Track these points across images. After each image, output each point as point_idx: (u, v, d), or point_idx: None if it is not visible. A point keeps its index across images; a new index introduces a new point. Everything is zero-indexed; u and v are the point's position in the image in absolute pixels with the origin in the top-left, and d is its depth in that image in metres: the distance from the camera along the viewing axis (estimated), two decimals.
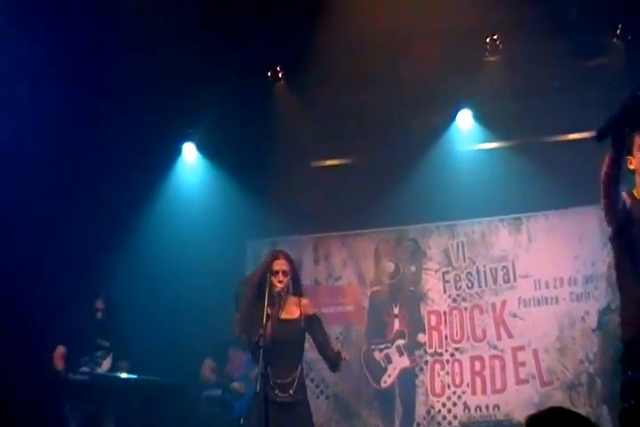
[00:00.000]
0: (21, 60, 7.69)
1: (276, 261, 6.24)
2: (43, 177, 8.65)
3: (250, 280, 6.31)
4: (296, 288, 6.38)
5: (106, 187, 9.22)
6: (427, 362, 9.64)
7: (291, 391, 6.08)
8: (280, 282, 6.11)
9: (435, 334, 9.68)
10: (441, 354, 9.61)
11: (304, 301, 6.35)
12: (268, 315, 5.84)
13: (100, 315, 8.42)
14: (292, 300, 6.30)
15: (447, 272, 9.82)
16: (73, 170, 8.93)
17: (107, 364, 8.32)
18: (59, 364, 8.12)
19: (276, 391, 6.00)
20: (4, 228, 8.42)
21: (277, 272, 6.15)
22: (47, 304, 8.53)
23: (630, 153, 4.68)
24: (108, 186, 9.24)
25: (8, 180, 8.38)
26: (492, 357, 9.38)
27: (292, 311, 6.25)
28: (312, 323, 6.33)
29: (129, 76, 8.28)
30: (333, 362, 6.31)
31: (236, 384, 8.50)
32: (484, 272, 9.66)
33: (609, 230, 4.76)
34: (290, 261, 6.37)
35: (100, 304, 8.42)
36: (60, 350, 8.24)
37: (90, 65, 8.11)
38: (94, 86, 8.41)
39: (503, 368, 9.30)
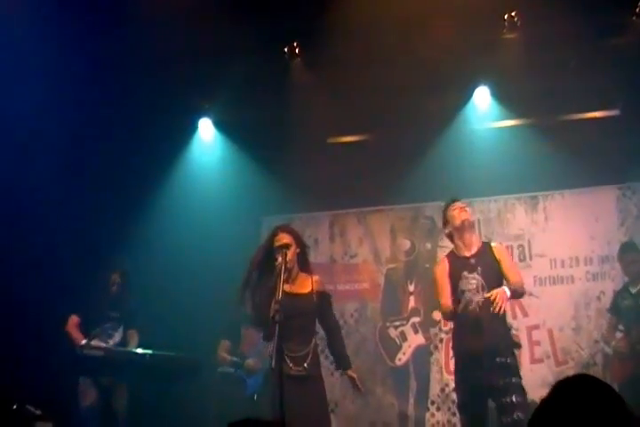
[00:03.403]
0: (33, 38, 7.68)
1: (276, 237, 6.17)
2: (60, 153, 8.64)
3: (254, 258, 6.24)
4: (303, 264, 6.33)
5: (122, 163, 9.21)
6: (442, 340, 9.65)
7: (305, 365, 6.02)
8: (283, 257, 6.04)
9: None
10: None
11: (316, 277, 6.28)
12: (278, 290, 5.78)
13: (115, 288, 8.37)
14: (304, 276, 6.26)
15: None
16: (88, 146, 8.93)
17: (118, 335, 8.28)
18: (78, 337, 7.99)
19: (291, 365, 5.95)
20: (20, 199, 8.46)
21: (279, 247, 6.08)
22: (62, 277, 8.53)
23: None
24: (125, 162, 9.23)
25: (26, 153, 8.40)
26: None
27: (304, 286, 6.19)
28: (322, 301, 6.28)
29: (143, 52, 8.23)
30: (342, 361, 6.34)
31: (249, 361, 8.53)
32: None
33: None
34: (292, 234, 6.27)
35: (116, 277, 8.38)
36: (74, 320, 8.16)
37: (104, 40, 8.07)
38: (108, 61, 8.38)
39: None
